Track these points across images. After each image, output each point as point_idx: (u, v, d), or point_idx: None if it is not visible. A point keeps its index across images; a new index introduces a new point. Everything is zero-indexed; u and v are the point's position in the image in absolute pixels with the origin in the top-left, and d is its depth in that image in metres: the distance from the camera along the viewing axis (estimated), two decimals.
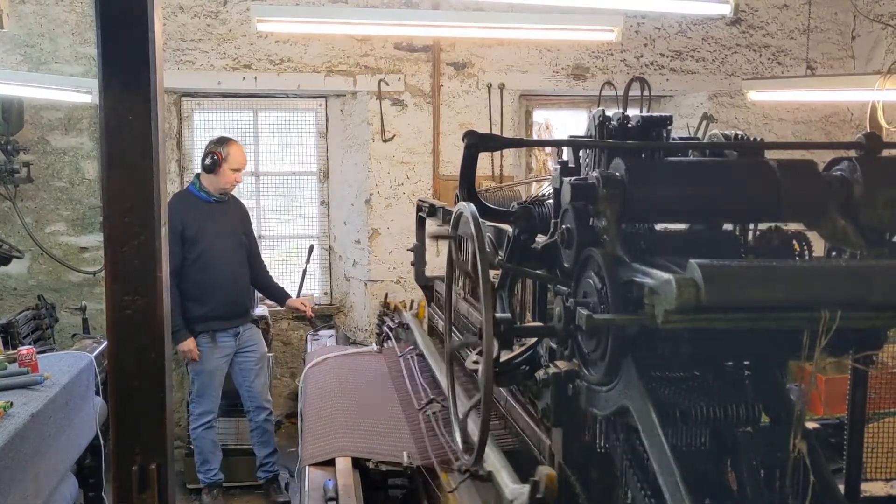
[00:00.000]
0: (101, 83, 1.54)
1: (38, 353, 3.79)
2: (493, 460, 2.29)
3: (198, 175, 5.08)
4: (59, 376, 3.69)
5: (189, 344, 4.83)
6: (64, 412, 3.61)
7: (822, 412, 3.51)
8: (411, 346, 4.03)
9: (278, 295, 5.49)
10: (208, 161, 4.91)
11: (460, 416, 2.03)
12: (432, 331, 4.17)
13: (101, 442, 4.08)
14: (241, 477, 5.38)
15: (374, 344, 4.47)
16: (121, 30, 1.54)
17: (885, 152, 1.79)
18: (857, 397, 1.97)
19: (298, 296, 6.43)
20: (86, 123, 5.95)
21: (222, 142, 4.98)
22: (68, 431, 3.69)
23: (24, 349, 3.69)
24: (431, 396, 3.24)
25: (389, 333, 4.48)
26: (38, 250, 5.90)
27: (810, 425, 1.72)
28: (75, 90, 5.12)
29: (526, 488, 1.85)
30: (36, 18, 5.80)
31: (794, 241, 1.78)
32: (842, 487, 1.84)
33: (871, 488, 2.31)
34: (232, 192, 5.17)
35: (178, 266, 4.78)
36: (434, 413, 3.08)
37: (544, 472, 1.77)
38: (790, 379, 1.81)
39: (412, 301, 5.07)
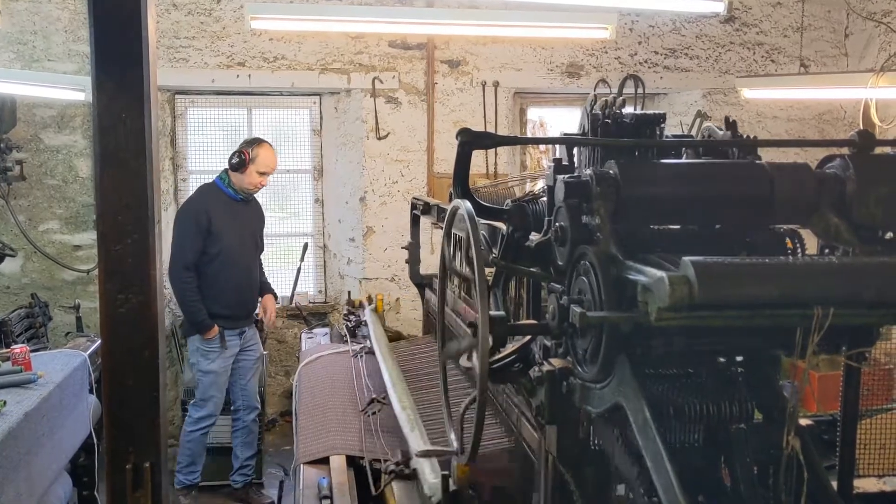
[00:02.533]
0: (95, 81, 1.54)
1: (32, 351, 3.78)
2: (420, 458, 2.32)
3: (225, 170, 5.01)
4: (53, 375, 3.68)
5: (216, 331, 4.80)
6: (57, 411, 3.61)
7: (816, 409, 3.53)
8: (362, 344, 4.05)
9: (261, 289, 5.41)
10: (236, 160, 4.85)
11: (456, 415, 2.03)
12: (427, 329, 4.17)
13: (95, 441, 4.07)
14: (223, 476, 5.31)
15: (367, 342, 4.46)
16: (114, 27, 1.54)
17: (878, 150, 1.80)
18: (850, 394, 1.98)
19: (293, 294, 6.44)
20: (79, 121, 5.93)
21: (253, 142, 4.94)
22: (62, 430, 3.68)
23: (18, 348, 3.68)
24: (374, 396, 3.25)
25: (346, 332, 4.48)
26: (31, 248, 5.88)
27: (803, 422, 1.73)
28: (68, 88, 5.10)
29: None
30: (29, 16, 5.78)
31: (787, 239, 1.78)
32: (835, 484, 1.85)
33: (863, 484, 2.32)
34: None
35: (195, 260, 4.74)
36: (374, 413, 3.09)
37: (455, 464, 1.78)
38: (783, 376, 1.82)
39: (369, 296, 5.04)
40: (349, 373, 3.79)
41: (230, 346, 4.94)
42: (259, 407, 5.23)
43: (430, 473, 2.19)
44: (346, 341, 4.35)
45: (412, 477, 2.43)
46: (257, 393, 5.24)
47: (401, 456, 2.74)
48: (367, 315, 4.42)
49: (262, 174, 4.93)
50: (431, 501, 2.01)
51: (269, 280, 5.48)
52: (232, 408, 5.19)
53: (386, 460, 2.60)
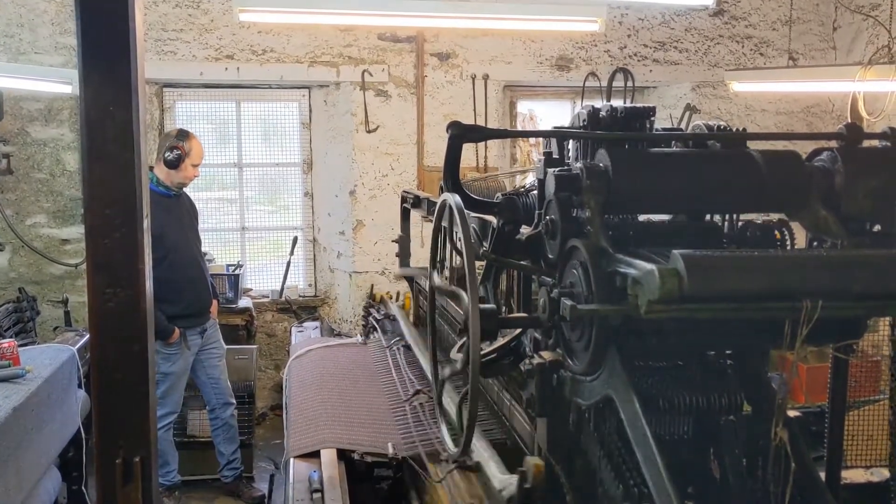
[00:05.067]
0: (82, 74, 1.53)
1: (20, 346, 3.76)
2: (481, 451, 2.30)
3: (151, 168, 4.83)
4: (41, 369, 3.66)
5: (177, 334, 4.74)
6: (46, 405, 3.59)
7: (804, 401, 3.55)
8: (397, 338, 4.03)
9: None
10: (171, 156, 4.73)
11: (447, 408, 2.03)
12: (418, 321, 4.18)
13: (84, 435, 4.06)
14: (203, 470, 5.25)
15: (358, 335, 4.46)
16: (101, 20, 1.53)
17: (866, 143, 1.80)
18: (838, 386, 1.99)
19: (283, 288, 6.42)
20: (66, 114, 5.89)
21: (184, 136, 4.82)
22: (51, 425, 3.67)
23: (6, 342, 3.66)
24: (418, 387, 3.24)
25: (376, 325, 4.47)
26: (18, 243, 5.85)
27: (792, 414, 1.74)
28: (55, 81, 5.07)
29: (514, 478, 1.86)
30: (15, 8, 5.73)
31: (776, 231, 1.79)
32: (823, 475, 1.86)
33: (851, 475, 2.33)
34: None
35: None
36: (421, 404, 3.08)
37: (532, 462, 1.78)
38: (772, 368, 1.83)
39: (398, 293, 5.06)
40: (341, 366, 3.79)
41: (193, 346, 4.88)
42: (234, 402, 5.14)
43: (496, 467, 2.18)
44: (368, 335, 4.36)
45: (475, 469, 2.40)
46: (230, 388, 5.15)
47: (392, 449, 2.74)
48: (395, 311, 4.41)
49: (196, 166, 4.85)
50: (503, 496, 1.99)
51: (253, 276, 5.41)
52: (207, 408, 5.12)
53: (444, 450, 2.55)
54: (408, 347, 3.78)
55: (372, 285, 5.91)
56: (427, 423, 2.90)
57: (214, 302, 5.11)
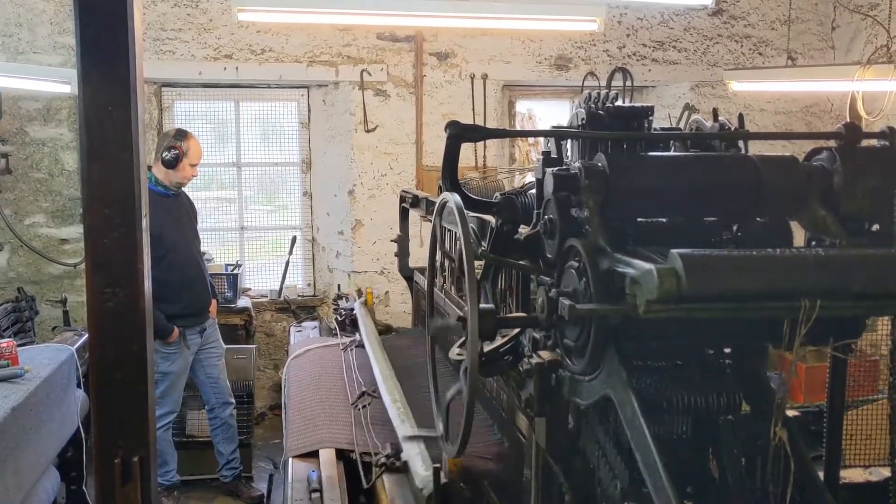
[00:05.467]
0: (81, 73, 1.53)
1: (19, 346, 3.76)
2: (409, 449, 2.31)
3: (149, 167, 4.83)
4: (40, 369, 3.66)
5: (176, 333, 4.74)
6: (45, 405, 3.59)
7: (802, 400, 3.55)
8: (352, 338, 4.04)
9: None
10: (169, 155, 4.72)
11: (443, 405, 2.03)
12: (418, 320, 4.18)
13: (83, 435, 4.05)
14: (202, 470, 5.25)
15: (356, 335, 4.46)
16: (100, 19, 1.53)
17: (865, 142, 1.80)
18: (837, 385, 2.00)
19: (282, 288, 6.42)
20: (65, 114, 5.89)
21: (182, 135, 4.83)
22: (49, 424, 3.66)
23: (4, 342, 3.65)
24: (364, 389, 3.24)
25: (336, 326, 4.47)
26: (17, 242, 5.84)
27: (790, 413, 1.74)
28: (54, 80, 5.06)
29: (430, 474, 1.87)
30: (14, 8, 5.73)
31: (775, 231, 1.79)
32: (821, 474, 1.86)
33: (850, 475, 2.34)
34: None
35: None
36: (365, 406, 3.09)
37: (446, 458, 1.79)
38: (770, 367, 1.83)
39: (359, 289, 5.03)
40: (338, 366, 3.79)
41: (192, 345, 4.88)
42: (233, 402, 5.14)
43: (421, 466, 2.19)
44: (336, 335, 4.34)
45: (403, 470, 2.43)
46: (229, 388, 5.15)
47: (390, 449, 2.74)
48: (357, 308, 4.42)
49: (194, 165, 4.86)
50: (423, 494, 2.01)
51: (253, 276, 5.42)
52: (206, 407, 5.12)
53: (377, 453, 2.60)
54: (360, 346, 3.78)
55: (339, 285, 5.91)
56: (366, 426, 2.91)
57: (214, 301, 5.11)
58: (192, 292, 4.84)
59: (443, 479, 1.80)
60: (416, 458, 2.25)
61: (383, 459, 2.53)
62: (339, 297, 5.13)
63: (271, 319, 6.57)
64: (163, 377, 4.74)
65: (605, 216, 1.67)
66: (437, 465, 1.80)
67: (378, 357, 3.43)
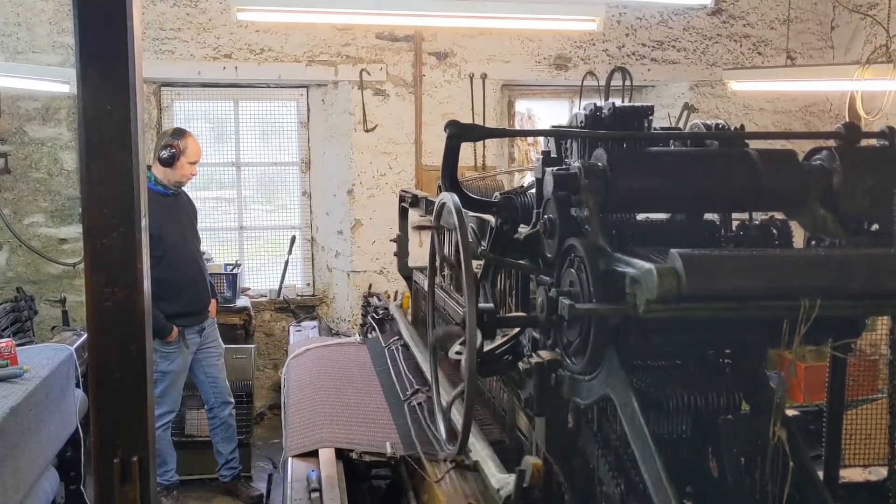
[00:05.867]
0: (80, 73, 1.53)
1: (18, 345, 3.75)
2: (479, 450, 2.30)
3: (148, 167, 4.83)
4: (39, 369, 3.66)
5: (176, 333, 4.74)
6: (44, 405, 3.59)
7: (802, 400, 3.55)
8: (396, 337, 4.03)
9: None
10: (166, 154, 4.70)
11: (444, 406, 2.03)
12: (416, 320, 4.17)
13: (82, 435, 4.05)
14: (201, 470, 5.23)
15: (356, 335, 4.46)
16: (99, 19, 1.52)
17: (864, 142, 1.80)
18: (836, 385, 2.00)
19: (281, 287, 6.42)
20: (64, 114, 5.89)
21: (179, 134, 4.82)
22: (48, 424, 3.66)
23: (3, 342, 3.65)
24: (416, 387, 3.24)
25: (374, 324, 4.47)
26: (16, 242, 5.84)
27: (790, 413, 1.74)
28: (53, 80, 5.06)
29: (512, 478, 1.86)
30: (13, 7, 5.72)
31: (774, 231, 1.79)
32: (821, 474, 1.86)
33: (849, 474, 2.33)
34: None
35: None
36: (419, 403, 3.08)
37: (530, 461, 1.78)
38: (770, 367, 1.83)
39: (396, 291, 5.06)
40: (339, 365, 3.79)
41: (191, 344, 4.87)
42: (233, 401, 5.13)
43: (494, 466, 2.18)
44: (366, 334, 4.36)
45: (473, 469, 2.40)
46: (228, 387, 5.15)
47: (390, 449, 2.74)
48: (394, 311, 4.41)
49: (192, 164, 4.84)
50: (500, 495, 1.99)
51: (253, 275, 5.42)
52: (206, 407, 5.11)
53: (441, 450, 2.55)
54: (406, 347, 3.78)
55: (370, 284, 5.91)
56: (425, 423, 2.90)
57: (213, 301, 5.10)
58: (191, 291, 4.83)
59: (525, 482, 1.79)
60: (488, 458, 2.24)
61: (452, 456, 2.48)
62: (371, 294, 5.12)
63: (270, 319, 6.57)
64: (162, 376, 4.74)
65: (604, 216, 1.67)
66: (523, 468, 1.80)
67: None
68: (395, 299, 4.85)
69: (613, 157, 1.71)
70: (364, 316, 4.77)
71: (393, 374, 3.53)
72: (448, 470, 2.45)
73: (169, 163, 4.72)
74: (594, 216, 1.64)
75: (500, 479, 2.05)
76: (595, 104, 1.88)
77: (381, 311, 4.59)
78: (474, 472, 2.34)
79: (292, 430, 3.10)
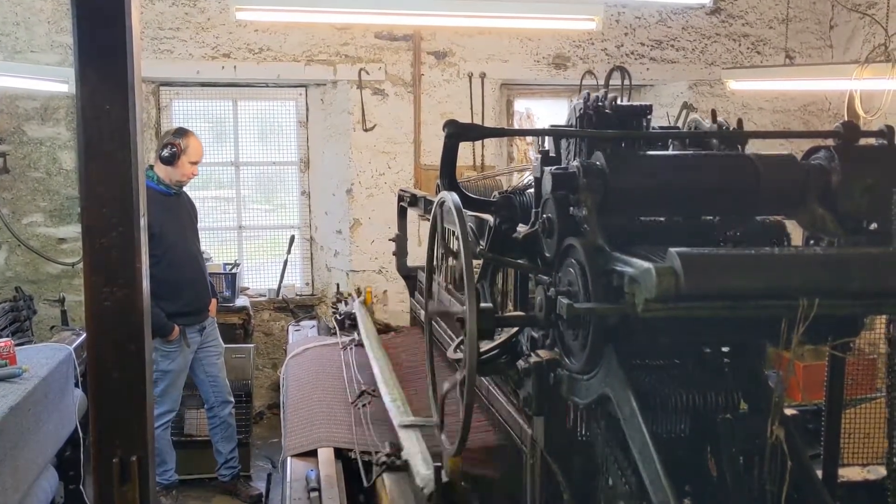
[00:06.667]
0: (78, 72, 1.53)
1: (16, 345, 3.75)
2: (409, 447, 2.30)
3: (150, 166, 4.84)
4: (38, 369, 3.66)
5: (177, 332, 4.74)
6: (43, 405, 3.59)
7: (800, 399, 3.55)
8: (353, 336, 4.04)
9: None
10: (167, 152, 4.70)
11: (438, 397, 2.03)
12: (415, 321, 4.17)
13: (81, 434, 4.05)
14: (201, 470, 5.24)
15: (355, 333, 4.46)
16: (97, 18, 1.52)
17: (863, 141, 1.81)
18: (835, 384, 2.00)
19: (280, 287, 6.42)
20: (63, 113, 5.88)
21: (181, 133, 4.83)
22: (48, 424, 3.66)
23: (2, 342, 3.65)
24: (364, 388, 3.24)
25: (334, 324, 4.46)
26: (15, 241, 5.84)
27: (788, 412, 1.74)
28: (52, 79, 5.06)
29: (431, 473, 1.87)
30: (11, 6, 5.72)
31: (773, 230, 1.79)
32: (819, 473, 1.86)
33: (848, 473, 2.34)
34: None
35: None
36: (364, 405, 3.08)
37: (447, 456, 1.78)
38: (768, 366, 1.83)
39: (357, 288, 5.03)
40: (337, 365, 3.79)
41: (191, 344, 4.87)
42: (233, 400, 5.12)
43: (422, 465, 2.19)
44: (335, 334, 4.34)
45: (404, 468, 2.43)
46: (228, 386, 5.15)
47: (389, 447, 2.74)
48: (356, 307, 4.41)
49: (194, 164, 4.83)
50: (423, 493, 2.01)
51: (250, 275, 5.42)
52: (206, 406, 5.11)
53: (377, 452, 2.60)
54: (360, 345, 3.77)
55: (338, 284, 5.91)
56: (366, 425, 2.90)
57: (213, 300, 5.11)
58: (192, 291, 4.84)
59: (444, 478, 1.79)
60: (417, 456, 2.25)
61: (384, 458, 2.52)
62: (340, 299, 5.12)
63: (269, 319, 6.57)
64: (163, 375, 4.74)
65: (603, 215, 1.67)
66: (438, 464, 1.80)
67: (377, 356, 3.43)
68: (359, 296, 4.79)
69: (612, 156, 1.71)
70: (335, 314, 4.76)
71: (345, 375, 3.51)
72: (379, 474, 2.47)
73: (170, 161, 4.72)
74: (593, 215, 1.64)
75: (424, 477, 2.05)
76: (589, 93, 1.88)
77: (342, 311, 4.58)
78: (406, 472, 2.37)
79: (291, 429, 3.10)
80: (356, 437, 2.85)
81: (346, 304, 4.76)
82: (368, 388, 3.23)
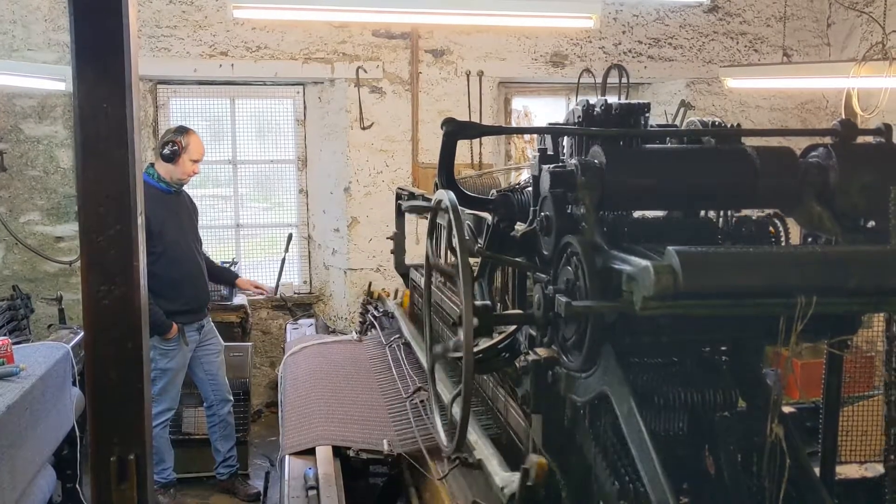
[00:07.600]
0: (75, 71, 1.52)
1: (14, 344, 3.75)
2: (483, 448, 2.30)
3: (151, 164, 4.86)
4: (36, 367, 3.65)
5: (175, 330, 4.73)
6: (40, 403, 3.58)
7: (798, 396, 3.56)
8: (397, 335, 4.02)
9: (226, 276, 5.36)
10: (168, 150, 4.70)
11: (445, 404, 2.03)
12: (413, 317, 4.18)
13: (79, 433, 4.05)
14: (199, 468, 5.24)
15: (353, 332, 4.46)
16: (94, 16, 1.52)
17: (860, 139, 1.81)
18: (833, 381, 2.00)
19: (278, 285, 6.41)
20: (60, 111, 5.87)
21: (182, 131, 4.83)
22: (45, 423, 3.66)
23: (0, 340, 3.65)
24: (419, 384, 3.24)
25: (374, 322, 4.47)
26: (12, 240, 5.82)
27: (786, 409, 1.74)
28: (49, 78, 5.05)
29: (516, 476, 1.86)
30: (8, 4, 5.71)
31: (771, 228, 1.79)
32: (817, 470, 1.86)
33: (845, 471, 2.34)
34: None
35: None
36: (422, 401, 3.08)
37: (535, 460, 1.78)
38: (766, 364, 1.83)
39: (396, 290, 5.05)
40: (336, 364, 3.79)
41: (190, 342, 4.87)
42: (232, 399, 5.11)
43: (497, 465, 2.17)
44: (365, 332, 4.35)
45: (476, 466, 2.39)
46: (227, 385, 5.15)
47: (387, 446, 2.74)
48: (394, 308, 4.41)
49: (195, 162, 4.83)
50: (505, 493, 1.99)
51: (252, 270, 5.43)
52: (205, 404, 5.11)
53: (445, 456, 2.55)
54: (407, 345, 3.78)
55: (370, 283, 5.91)
56: (428, 420, 2.90)
57: (248, 281, 5.18)
58: (191, 289, 4.84)
59: (530, 481, 1.78)
60: (492, 457, 2.24)
61: (455, 456, 2.47)
62: (370, 294, 5.12)
63: (267, 317, 6.57)
64: (162, 374, 4.74)
65: (601, 213, 1.67)
66: (527, 466, 1.79)
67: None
68: (395, 297, 4.85)
69: (610, 154, 1.71)
70: (363, 314, 4.76)
71: (395, 372, 3.53)
72: (452, 468, 2.45)
73: (171, 159, 4.72)
74: (591, 213, 1.64)
75: (505, 478, 2.05)
76: (588, 101, 1.88)
77: (380, 309, 4.59)
78: (478, 471, 2.34)
79: (289, 427, 3.10)
80: (418, 432, 2.83)
81: (376, 306, 4.74)
82: (423, 385, 3.22)
